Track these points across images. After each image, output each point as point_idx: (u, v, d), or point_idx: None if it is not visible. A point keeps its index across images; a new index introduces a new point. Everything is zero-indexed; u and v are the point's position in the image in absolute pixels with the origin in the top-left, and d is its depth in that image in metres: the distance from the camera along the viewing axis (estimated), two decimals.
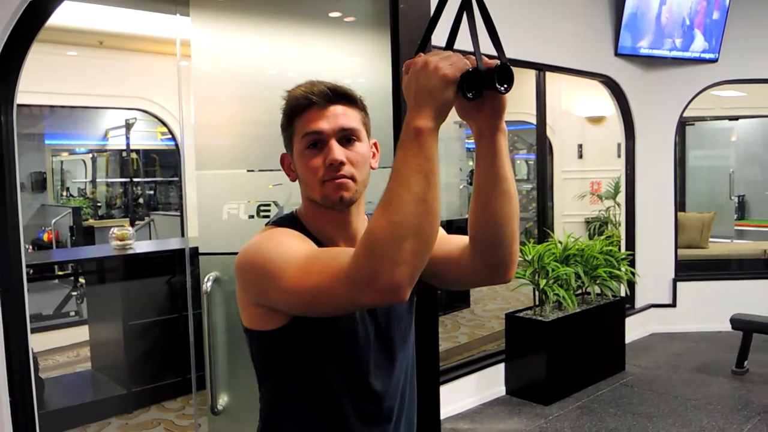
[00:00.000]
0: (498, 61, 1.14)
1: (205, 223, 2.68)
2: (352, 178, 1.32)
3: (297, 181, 1.39)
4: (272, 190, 2.64)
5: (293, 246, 1.25)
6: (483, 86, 1.12)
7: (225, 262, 2.63)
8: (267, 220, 2.57)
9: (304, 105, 1.32)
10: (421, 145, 1.07)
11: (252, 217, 2.64)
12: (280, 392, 1.38)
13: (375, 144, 1.43)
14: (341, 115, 1.33)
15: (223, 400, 2.68)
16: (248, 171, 2.71)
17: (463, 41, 1.21)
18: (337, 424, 1.35)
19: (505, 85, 1.14)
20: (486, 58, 1.13)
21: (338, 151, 1.30)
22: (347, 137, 1.33)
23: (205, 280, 2.63)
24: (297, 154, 1.35)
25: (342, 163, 1.30)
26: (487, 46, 1.17)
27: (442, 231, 1.51)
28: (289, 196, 2.62)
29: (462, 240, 1.41)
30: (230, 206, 2.65)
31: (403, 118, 1.11)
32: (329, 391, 1.33)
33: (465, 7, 1.17)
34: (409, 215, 1.05)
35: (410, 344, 1.49)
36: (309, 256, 1.21)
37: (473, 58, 1.12)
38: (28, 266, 3.03)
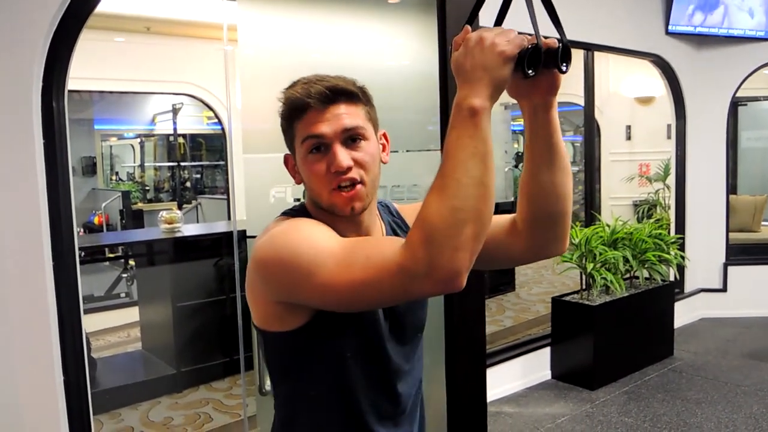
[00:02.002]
0: (556, 40, 1.11)
1: (252, 206, 2.70)
2: (362, 182, 1.24)
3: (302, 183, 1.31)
4: None
5: (323, 238, 1.17)
6: (540, 64, 1.09)
7: None
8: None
9: (302, 107, 1.24)
10: (476, 125, 1.03)
11: (298, 200, 2.64)
12: (298, 392, 1.32)
13: (384, 135, 1.35)
14: (344, 115, 1.23)
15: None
16: None
17: (511, 21, 1.18)
18: (355, 422, 1.31)
19: (566, 64, 1.12)
20: (543, 38, 1.11)
21: (343, 157, 1.22)
22: (352, 137, 1.24)
23: None
24: (300, 158, 1.27)
25: (349, 168, 1.22)
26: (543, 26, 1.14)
27: None
28: None
29: (506, 219, 1.37)
30: (277, 189, 2.66)
31: (451, 100, 1.08)
32: (350, 388, 1.29)
33: None
34: (468, 200, 1.01)
35: (422, 335, 1.44)
36: (346, 247, 1.14)
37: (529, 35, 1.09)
38: (79, 249, 3.10)
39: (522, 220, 1.33)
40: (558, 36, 1.14)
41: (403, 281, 1.04)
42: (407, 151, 2.63)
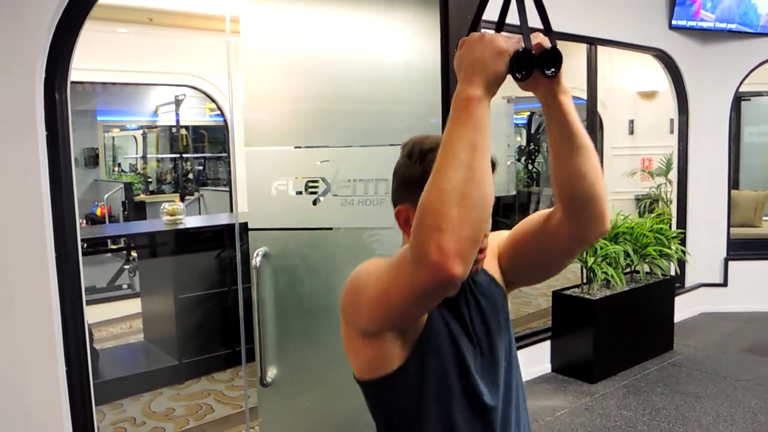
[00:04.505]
0: (548, 44, 1.12)
1: (254, 198, 2.70)
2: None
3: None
4: (320, 167, 2.64)
5: (379, 263, 1.22)
6: (533, 67, 1.10)
7: (274, 237, 2.66)
8: (314, 196, 2.61)
9: None
10: (469, 114, 1.05)
11: (300, 193, 2.65)
12: None
13: None
14: None
15: (272, 373, 2.72)
16: (296, 147, 2.71)
17: (513, 19, 1.18)
18: None
19: (553, 69, 1.12)
20: (539, 38, 1.12)
21: None
22: None
23: (255, 255, 2.66)
24: None
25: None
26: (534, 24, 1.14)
27: (503, 232, 1.48)
28: (336, 171, 2.62)
29: (543, 213, 1.37)
30: (279, 182, 2.66)
31: (452, 95, 1.09)
32: (454, 423, 1.30)
33: None
34: (454, 182, 1.02)
35: (510, 347, 1.45)
36: (385, 262, 1.18)
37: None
38: (82, 240, 3.10)
39: (560, 207, 1.32)
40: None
41: (407, 272, 1.05)
42: None
